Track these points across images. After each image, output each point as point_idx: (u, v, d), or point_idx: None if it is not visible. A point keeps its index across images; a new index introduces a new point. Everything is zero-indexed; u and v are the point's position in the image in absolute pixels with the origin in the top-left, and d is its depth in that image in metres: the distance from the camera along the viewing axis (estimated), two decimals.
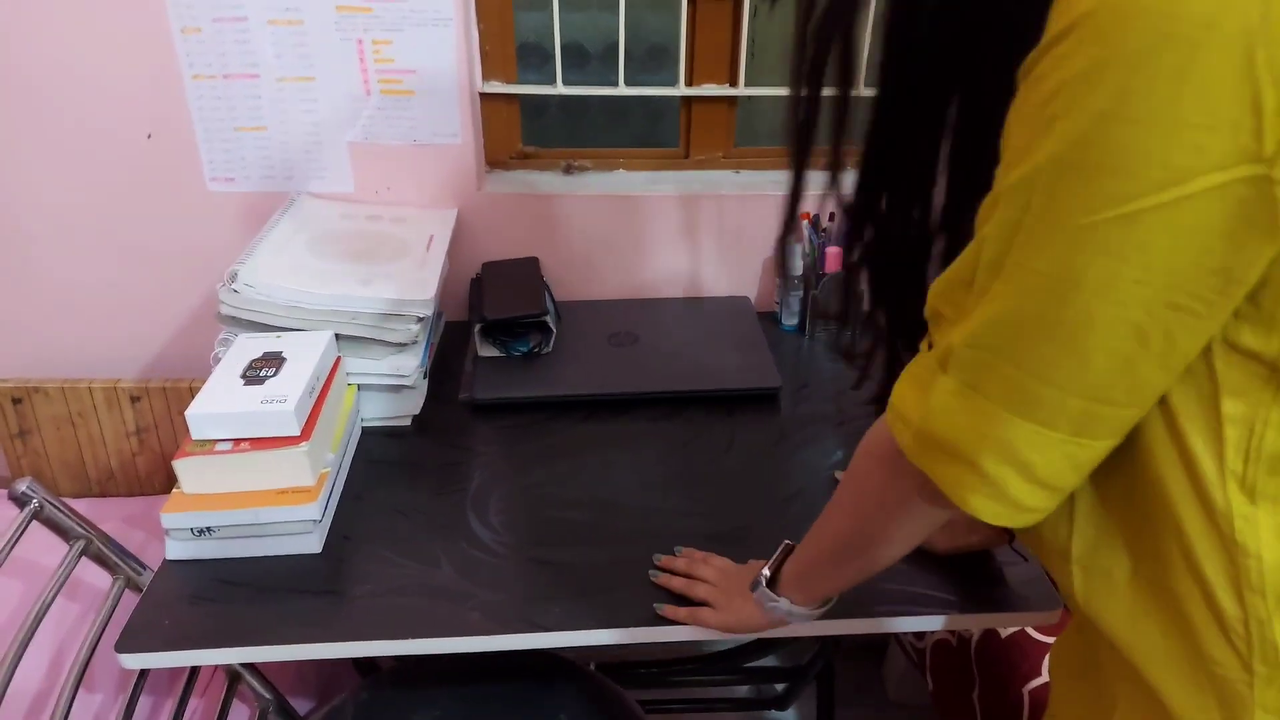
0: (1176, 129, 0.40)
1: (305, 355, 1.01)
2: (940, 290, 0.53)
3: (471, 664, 1.09)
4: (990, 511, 0.51)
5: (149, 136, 1.26)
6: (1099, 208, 0.42)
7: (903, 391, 0.56)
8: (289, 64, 1.23)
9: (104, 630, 0.92)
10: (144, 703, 1.01)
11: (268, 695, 1.05)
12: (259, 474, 0.92)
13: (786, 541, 0.80)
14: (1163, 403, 0.48)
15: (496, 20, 1.31)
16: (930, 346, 0.54)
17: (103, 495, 1.48)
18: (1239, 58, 0.38)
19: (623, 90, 1.35)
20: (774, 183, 1.43)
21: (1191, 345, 0.45)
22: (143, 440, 1.44)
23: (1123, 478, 0.51)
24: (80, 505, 1.36)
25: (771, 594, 0.78)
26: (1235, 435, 0.46)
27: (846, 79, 0.59)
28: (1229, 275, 0.42)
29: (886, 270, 0.68)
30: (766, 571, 0.80)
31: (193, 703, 1.04)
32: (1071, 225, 0.43)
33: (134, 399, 1.40)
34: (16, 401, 1.40)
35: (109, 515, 1.34)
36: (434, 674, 1.08)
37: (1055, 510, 0.53)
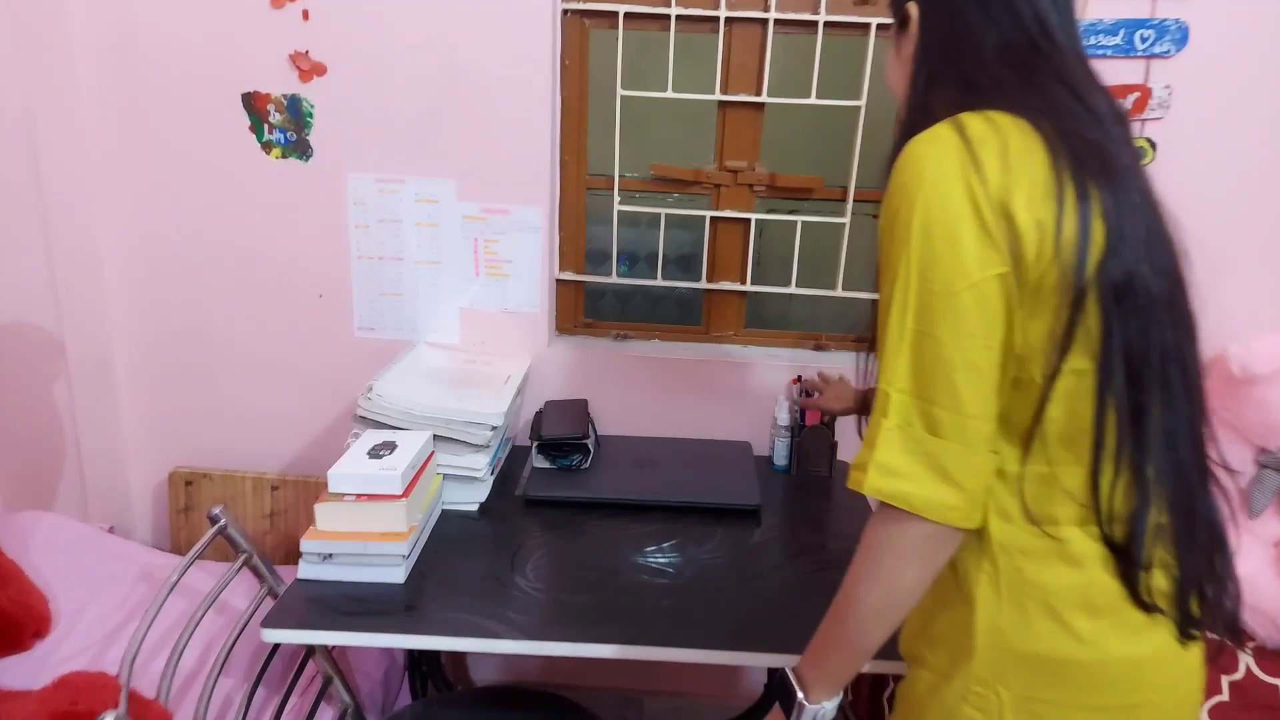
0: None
1: (411, 445, 1.43)
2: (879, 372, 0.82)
3: (499, 695, 1.40)
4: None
5: (320, 296, 1.79)
6: (942, 291, 0.75)
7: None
8: (425, 252, 1.76)
9: (247, 624, 1.30)
10: (260, 694, 1.36)
11: (348, 700, 1.39)
12: (370, 518, 1.32)
13: (781, 669, 0.91)
14: None
15: (573, 228, 1.82)
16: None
17: None
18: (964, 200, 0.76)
19: (660, 283, 1.83)
20: (772, 356, 1.84)
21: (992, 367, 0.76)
22: (274, 522, 1.86)
23: None
24: (222, 567, 1.77)
25: (812, 704, 0.86)
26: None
27: None
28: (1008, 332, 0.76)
29: None
30: (802, 696, 0.86)
31: (293, 701, 1.38)
32: (930, 305, 0.75)
33: (274, 488, 1.85)
34: (188, 484, 1.86)
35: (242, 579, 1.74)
36: (471, 699, 1.40)
37: None
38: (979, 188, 0.75)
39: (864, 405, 1.40)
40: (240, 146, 1.69)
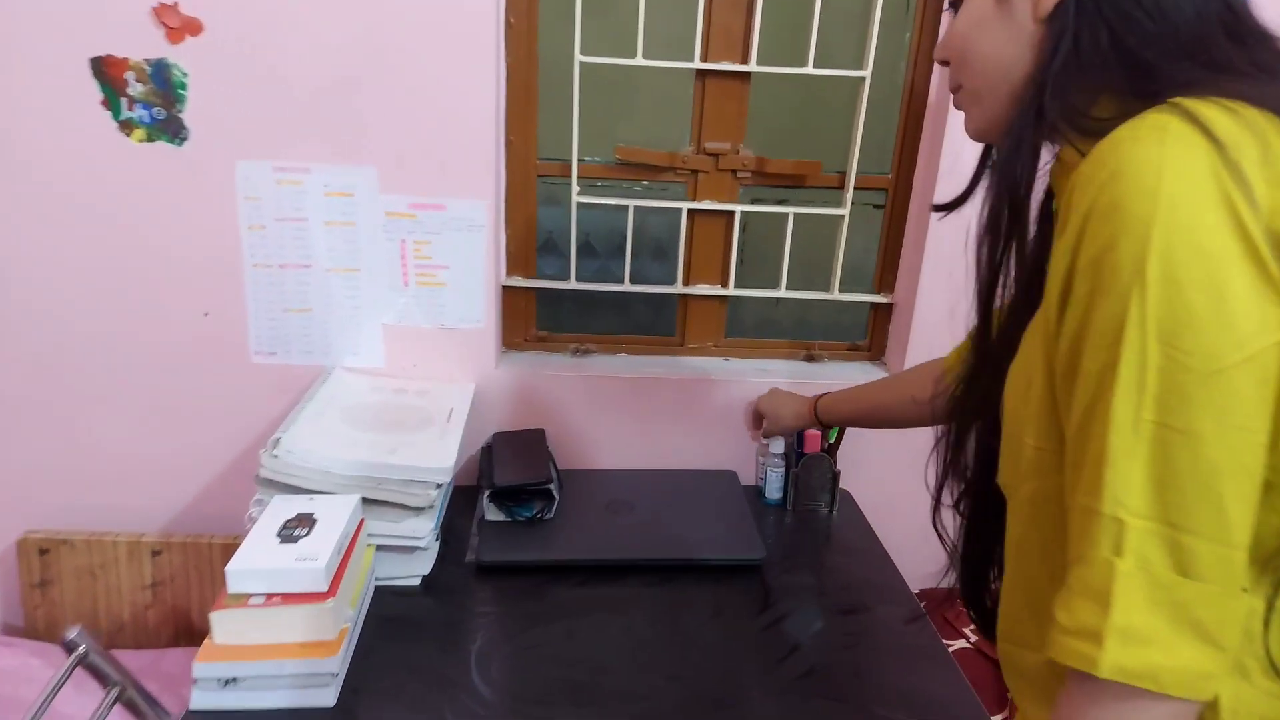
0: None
1: (335, 517, 1.12)
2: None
3: None
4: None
5: (205, 314, 1.43)
6: (1198, 365, 0.50)
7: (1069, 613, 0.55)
8: (339, 258, 1.41)
9: None
10: None
11: None
12: (286, 628, 1.01)
13: None
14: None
15: (521, 224, 1.51)
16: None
17: (110, 647, 1.52)
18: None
19: (628, 287, 1.54)
20: (759, 370, 1.59)
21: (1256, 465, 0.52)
22: (156, 593, 1.51)
23: None
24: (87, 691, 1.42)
25: None
26: None
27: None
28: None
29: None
30: None
31: None
32: (1181, 382, 0.50)
33: (155, 553, 1.49)
34: (43, 552, 1.48)
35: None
36: None
37: None
38: (1247, 213, 0.49)
39: (836, 418, 1.35)
40: (91, 127, 1.31)
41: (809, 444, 1.47)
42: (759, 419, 1.46)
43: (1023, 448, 0.62)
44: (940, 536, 0.81)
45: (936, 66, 1.44)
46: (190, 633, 1.53)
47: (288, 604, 1.01)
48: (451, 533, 1.36)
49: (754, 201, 1.55)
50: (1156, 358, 0.50)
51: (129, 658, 1.46)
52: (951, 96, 0.73)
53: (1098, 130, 0.56)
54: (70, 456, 1.49)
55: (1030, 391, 0.62)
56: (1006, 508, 0.68)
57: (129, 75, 1.28)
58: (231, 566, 1.02)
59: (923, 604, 1.28)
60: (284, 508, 1.14)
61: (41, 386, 1.44)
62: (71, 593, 1.50)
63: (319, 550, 1.04)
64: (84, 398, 1.46)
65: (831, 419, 1.36)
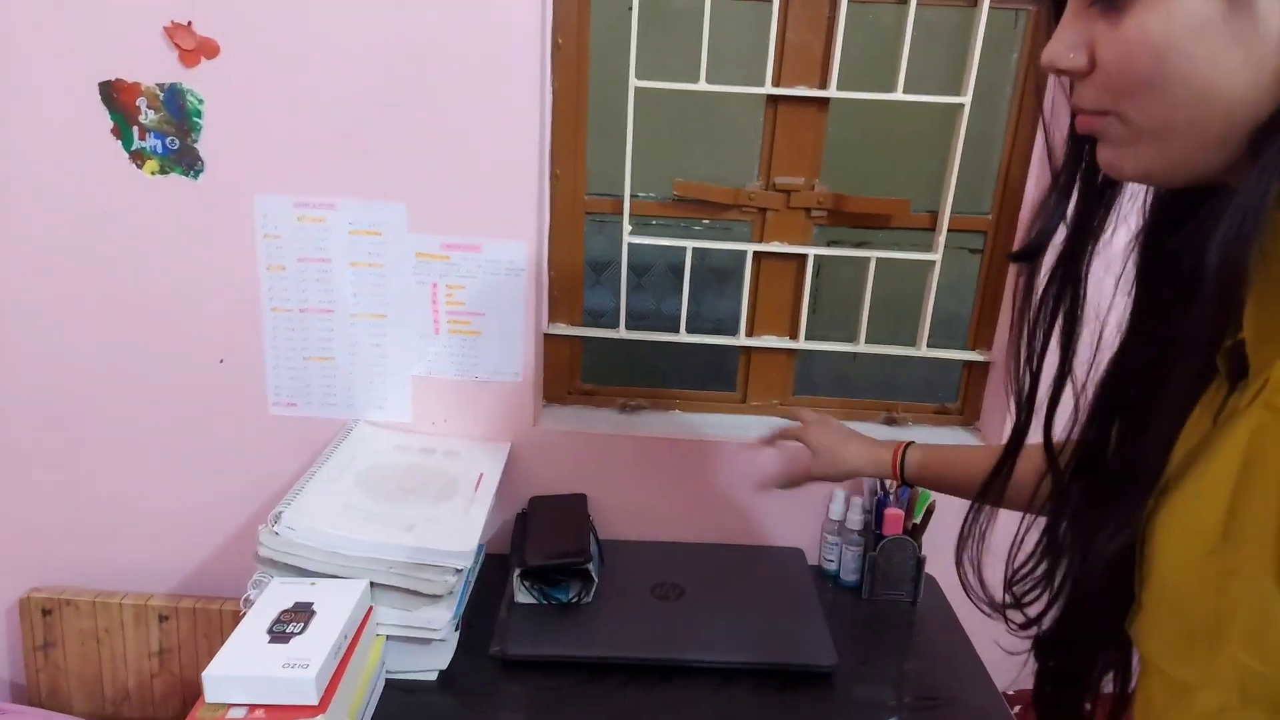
0: None
1: (337, 607, 0.97)
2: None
3: None
4: None
5: (221, 361, 1.31)
6: None
7: None
8: (365, 302, 1.28)
9: None
10: None
11: None
12: None
13: None
14: None
15: (568, 267, 1.35)
16: None
17: (115, 717, 1.41)
18: None
19: (684, 338, 1.37)
20: None
21: None
22: (163, 661, 1.39)
23: None
24: None
25: None
26: None
27: (1071, 329, 0.56)
28: None
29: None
30: None
31: None
32: None
33: (162, 618, 1.37)
34: (47, 613, 1.37)
35: None
36: None
37: None
38: None
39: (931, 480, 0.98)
40: (101, 157, 1.20)
41: (888, 525, 1.27)
42: (775, 446, 1.17)
43: (1214, 655, 0.43)
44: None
45: (1050, 87, 1.23)
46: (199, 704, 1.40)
47: (271, 718, 0.86)
48: (478, 610, 1.20)
49: (830, 244, 1.36)
50: None
51: None
52: (1077, 118, 0.53)
53: None
54: (77, 510, 1.38)
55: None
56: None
57: (140, 101, 1.17)
58: (209, 672, 0.87)
59: (1015, 709, 1.07)
60: (281, 594, 0.99)
61: (47, 435, 1.34)
62: (75, 657, 1.39)
63: (312, 654, 0.89)
64: (92, 448, 1.35)
65: (923, 478, 1.00)
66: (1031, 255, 0.58)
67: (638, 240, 1.32)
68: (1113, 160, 0.51)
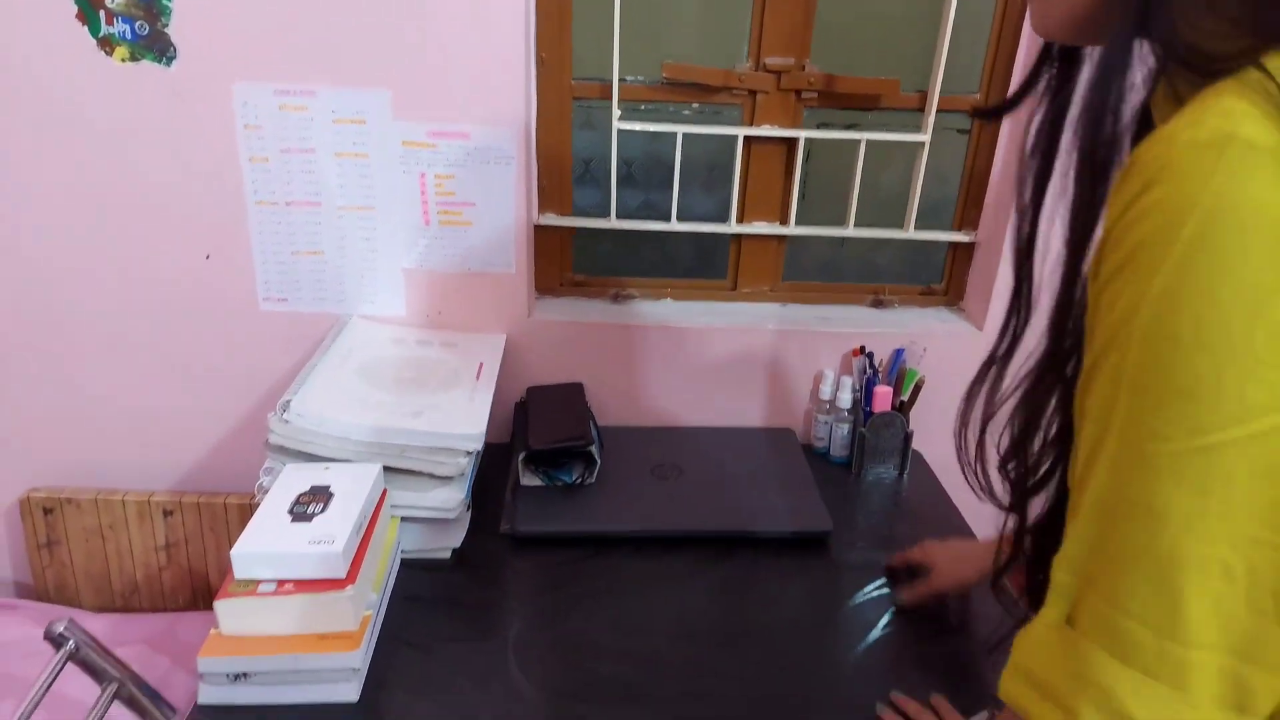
0: (1253, 366, 0.39)
1: (353, 491, 0.99)
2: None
3: None
4: None
5: (207, 257, 1.29)
6: (1178, 435, 0.41)
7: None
8: (352, 194, 1.26)
9: None
10: None
11: None
12: (301, 617, 0.89)
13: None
14: None
15: (555, 158, 1.34)
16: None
17: (125, 609, 1.44)
18: None
19: (675, 226, 1.37)
20: (819, 318, 1.43)
21: (1277, 581, 0.42)
22: (170, 555, 1.41)
23: None
24: (102, 621, 1.34)
25: None
26: None
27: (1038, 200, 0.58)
28: None
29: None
30: None
31: None
32: (1153, 452, 0.42)
33: (166, 513, 1.39)
34: (48, 512, 1.38)
35: (132, 636, 1.30)
36: None
37: None
38: None
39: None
40: (67, 45, 1.15)
41: (878, 401, 1.32)
42: (902, 570, 1.12)
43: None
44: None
45: None
46: (208, 595, 1.44)
47: (302, 591, 0.89)
48: (484, 496, 1.23)
49: (820, 126, 1.36)
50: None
51: (145, 621, 1.38)
52: None
53: (1206, 68, 0.42)
54: (72, 410, 1.37)
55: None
56: None
57: None
58: (237, 550, 0.90)
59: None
60: (297, 479, 1.01)
61: (40, 336, 1.32)
62: (80, 554, 1.41)
63: (336, 531, 0.92)
64: (82, 348, 1.33)
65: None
66: (991, 114, 0.61)
67: (627, 126, 1.31)
68: (1031, 17, 0.55)
